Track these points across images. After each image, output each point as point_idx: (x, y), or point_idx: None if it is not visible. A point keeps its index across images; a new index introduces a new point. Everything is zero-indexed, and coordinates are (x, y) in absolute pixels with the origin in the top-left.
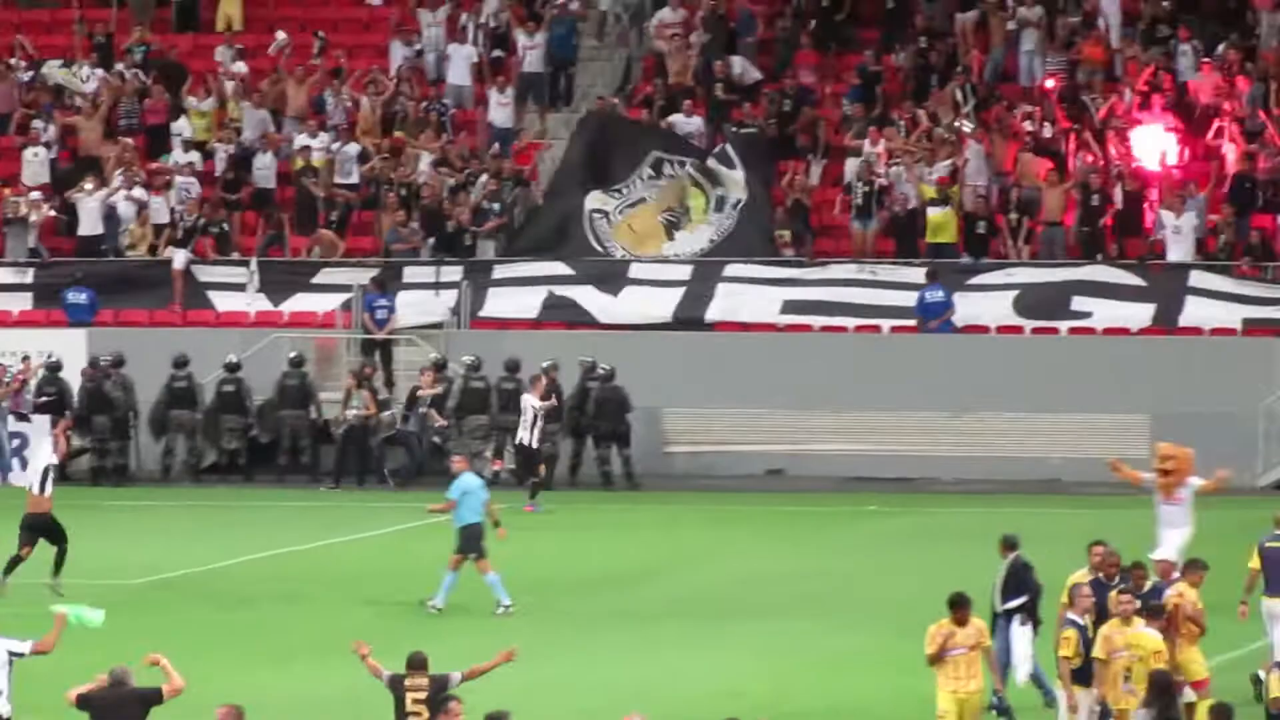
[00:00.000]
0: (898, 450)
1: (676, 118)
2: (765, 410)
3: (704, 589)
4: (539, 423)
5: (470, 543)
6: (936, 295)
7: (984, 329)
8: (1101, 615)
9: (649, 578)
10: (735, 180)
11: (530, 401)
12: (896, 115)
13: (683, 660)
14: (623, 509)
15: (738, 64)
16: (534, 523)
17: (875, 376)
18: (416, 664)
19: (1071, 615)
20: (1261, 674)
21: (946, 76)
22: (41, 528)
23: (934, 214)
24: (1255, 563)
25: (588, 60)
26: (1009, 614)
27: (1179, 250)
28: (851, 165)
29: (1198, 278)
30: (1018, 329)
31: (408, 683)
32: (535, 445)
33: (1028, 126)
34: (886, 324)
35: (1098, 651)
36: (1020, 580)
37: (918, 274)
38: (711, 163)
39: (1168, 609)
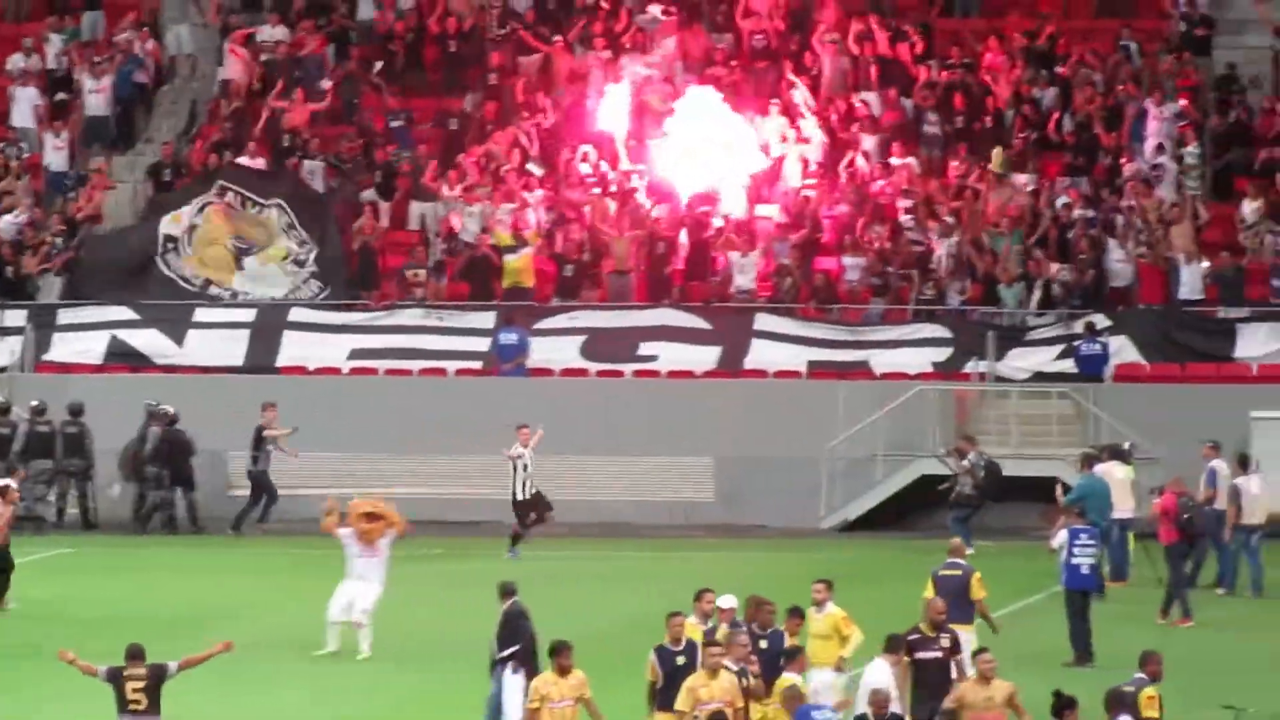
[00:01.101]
0: (464, 494)
1: (241, 159)
2: (333, 454)
3: (270, 631)
4: (526, 471)
5: None
6: (510, 339)
7: (549, 372)
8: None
9: (214, 620)
10: (301, 234)
11: (514, 451)
12: (465, 159)
13: (249, 702)
14: (188, 552)
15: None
16: (93, 566)
17: (441, 420)
18: (134, 654)
19: (727, 662)
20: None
21: (512, 120)
22: None
23: (509, 258)
24: (929, 591)
25: (153, 103)
26: (503, 662)
27: (745, 293)
28: (418, 210)
29: (763, 320)
30: (583, 372)
31: (127, 673)
32: (528, 496)
33: (588, 169)
34: (453, 367)
35: (681, 704)
36: (514, 628)
37: (486, 318)
38: (277, 209)
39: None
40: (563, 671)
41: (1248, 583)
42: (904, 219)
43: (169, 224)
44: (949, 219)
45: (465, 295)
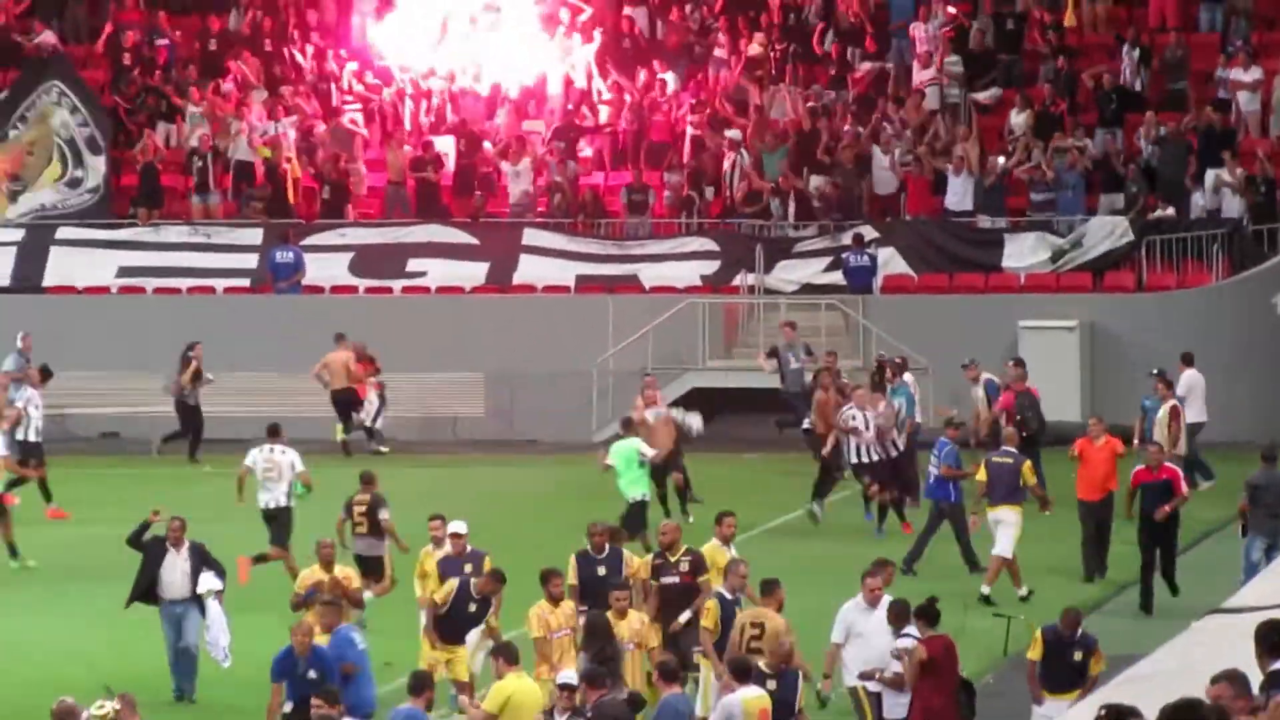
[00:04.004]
0: (232, 411)
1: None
2: (100, 373)
3: (39, 553)
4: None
5: None
6: (287, 256)
7: (319, 289)
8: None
9: None
10: (95, 165)
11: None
12: (234, 71)
13: (19, 624)
14: None
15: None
16: None
17: (212, 338)
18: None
19: (720, 589)
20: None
21: (283, 34)
22: None
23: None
24: (982, 474)
25: None
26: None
27: (520, 205)
28: (191, 129)
29: (531, 236)
30: (352, 289)
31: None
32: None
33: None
34: (221, 285)
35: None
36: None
37: (253, 235)
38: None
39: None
40: (554, 601)
41: None
42: (694, 133)
43: None
44: (735, 134)
45: (236, 213)
